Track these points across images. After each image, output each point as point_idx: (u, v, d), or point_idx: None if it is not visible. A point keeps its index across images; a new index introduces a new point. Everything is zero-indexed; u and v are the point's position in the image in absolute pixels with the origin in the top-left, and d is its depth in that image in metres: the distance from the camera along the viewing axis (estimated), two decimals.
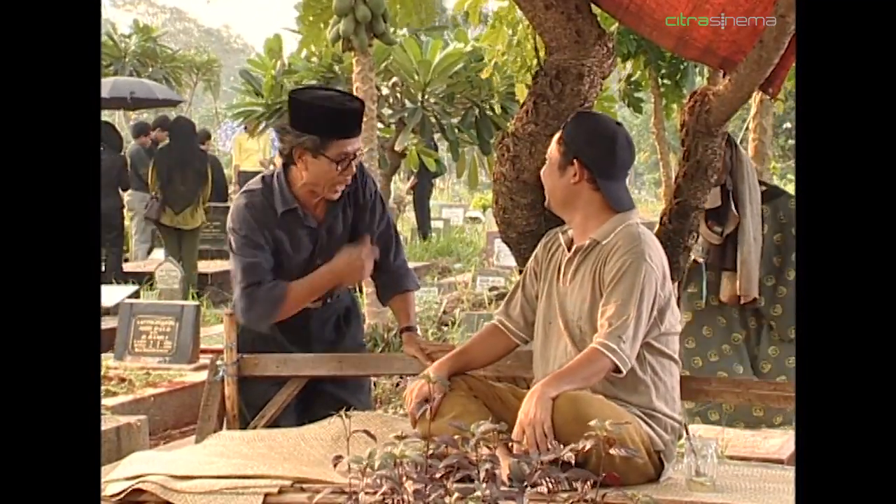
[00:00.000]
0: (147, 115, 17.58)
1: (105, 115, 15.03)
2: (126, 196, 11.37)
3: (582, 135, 3.02)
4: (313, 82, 10.31)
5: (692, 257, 4.63)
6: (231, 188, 13.88)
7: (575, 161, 2.99)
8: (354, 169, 3.42)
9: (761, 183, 5.04)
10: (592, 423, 2.39)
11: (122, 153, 11.39)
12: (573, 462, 2.40)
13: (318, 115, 3.34)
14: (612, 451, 2.40)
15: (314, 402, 3.58)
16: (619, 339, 2.83)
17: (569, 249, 3.06)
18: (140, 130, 12.69)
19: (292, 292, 3.44)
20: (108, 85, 14.02)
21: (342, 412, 2.74)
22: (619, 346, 2.83)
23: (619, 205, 3.01)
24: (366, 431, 2.54)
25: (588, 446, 2.38)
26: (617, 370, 2.84)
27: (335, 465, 2.41)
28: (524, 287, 3.21)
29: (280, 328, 3.59)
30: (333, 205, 3.50)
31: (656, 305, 2.92)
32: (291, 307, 3.46)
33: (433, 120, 11.10)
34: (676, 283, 4.81)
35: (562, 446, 2.44)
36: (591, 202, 3.01)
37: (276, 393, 3.60)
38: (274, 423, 3.53)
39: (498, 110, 10.62)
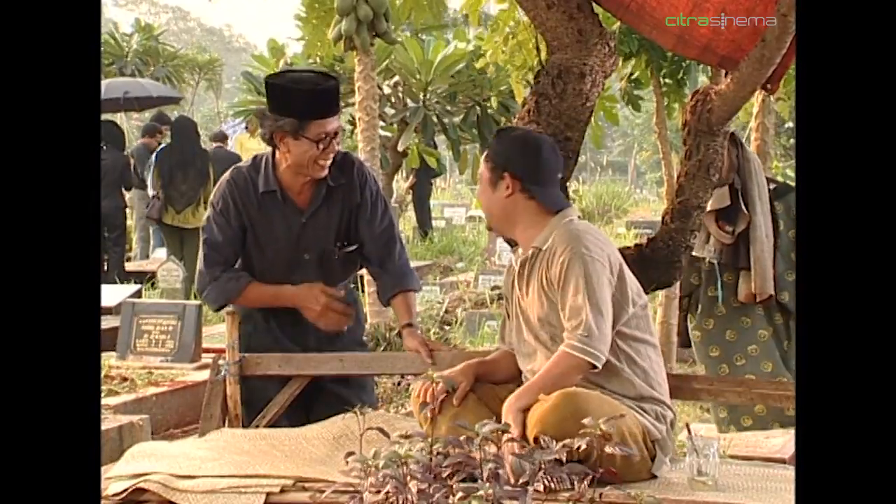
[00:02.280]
0: (147, 116, 17.58)
1: (109, 116, 15.00)
2: (128, 195, 11.37)
3: (507, 147, 3.11)
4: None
5: (706, 259, 4.63)
6: None
7: (505, 174, 3.06)
8: (337, 146, 3.45)
9: (771, 180, 5.04)
10: (586, 420, 2.41)
11: (126, 152, 11.38)
12: (565, 459, 2.41)
13: (294, 97, 3.37)
14: (608, 449, 2.41)
15: (316, 401, 3.57)
16: (581, 335, 2.86)
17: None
18: (148, 130, 12.68)
19: (250, 291, 3.51)
20: (102, 87, 13.98)
21: (344, 411, 2.74)
22: (583, 342, 2.86)
23: (555, 204, 3.08)
24: (379, 429, 2.55)
25: (584, 445, 2.39)
26: (593, 366, 2.87)
27: (347, 461, 2.42)
28: (507, 314, 3.27)
29: (277, 319, 3.60)
30: (318, 193, 3.51)
31: (611, 292, 2.94)
32: (245, 302, 3.54)
33: (435, 119, 11.11)
34: (697, 286, 4.81)
35: (555, 443, 2.44)
36: (527, 211, 3.07)
37: (277, 391, 3.60)
38: (275, 421, 3.52)
39: (495, 105, 10.62)
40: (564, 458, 2.39)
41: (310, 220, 3.51)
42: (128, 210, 11.52)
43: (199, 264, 3.56)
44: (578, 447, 2.40)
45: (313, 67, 3.45)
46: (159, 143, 12.30)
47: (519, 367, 3.21)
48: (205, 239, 3.55)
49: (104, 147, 10.31)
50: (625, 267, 3.03)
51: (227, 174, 3.58)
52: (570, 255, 2.93)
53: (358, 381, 3.68)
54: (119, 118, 15.93)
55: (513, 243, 3.73)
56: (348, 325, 3.65)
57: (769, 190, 4.87)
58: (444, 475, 2.34)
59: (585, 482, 2.40)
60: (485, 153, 3.17)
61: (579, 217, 3.11)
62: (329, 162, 3.44)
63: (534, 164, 3.07)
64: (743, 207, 4.72)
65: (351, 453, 2.45)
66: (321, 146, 3.38)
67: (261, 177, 3.50)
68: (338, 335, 3.65)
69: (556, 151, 3.16)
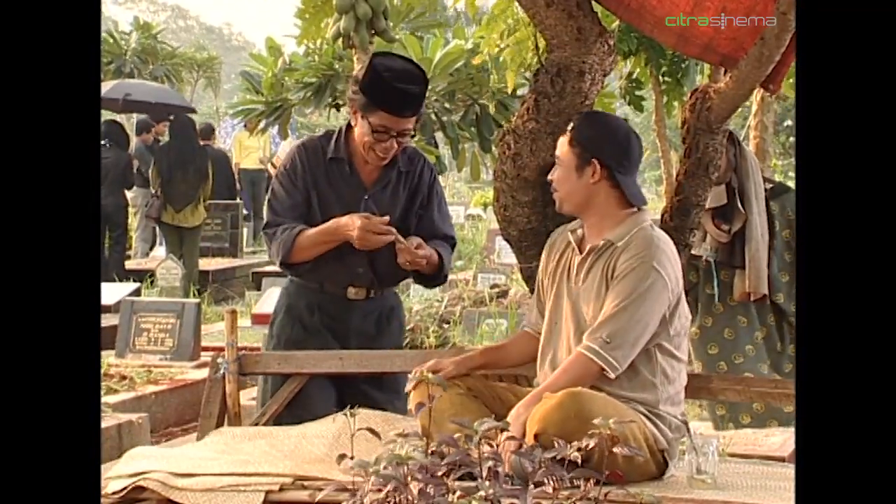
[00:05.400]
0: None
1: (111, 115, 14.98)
2: (130, 193, 11.38)
3: (596, 134, 3.02)
4: (313, 80, 10.30)
5: (703, 257, 4.62)
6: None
7: (594, 161, 2.98)
8: (395, 146, 3.45)
9: (767, 180, 5.04)
10: (596, 421, 2.39)
11: (129, 152, 11.39)
12: (570, 460, 2.40)
13: (374, 81, 3.39)
14: (614, 450, 2.39)
15: (349, 403, 3.52)
16: (605, 341, 2.84)
17: (580, 250, 3.06)
18: (143, 128, 12.69)
19: (302, 237, 3.46)
20: (108, 87, 13.94)
21: (342, 410, 2.74)
22: (604, 348, 2.84)
23: (636, 199, 3.02)
24: (370, 429, 2.54)
25: (591, 444, 2.37)
26: (605, 374, 2.85)
27: (339, 464, 2.41)
28: (539, 294, 3.22)
29: (321, 316, 3.59)
30: (386, 174, 3.53)
31: (662, 310, 2.91)
32: (302, 252, 3.47)
33: (434, 117, 11.10)
34: (695, 283, 4.80)
35: (561, 443, 2.43)
36: (608, 200, 3.01)
37: (314, 388, 3.57)
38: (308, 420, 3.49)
39: (493, 109, 10.61)
40: (571, 459, 2.38)
41: (372, 197, 3.52)
42: (130, 209, 11.52)
43: (262, 230, 3.59)
44: (581, 447, 2.39)
45: (408, 65, 3.40)
46: (156, 139, 12.30)
47: (535, 350, 3.16)
48: (269, 202, 3.57)
49: (107, 146, 10.33)
50: (681, 287, 3.00)
51: (298, 141, 3.63)
52: (640, 262, 2.89)
53: (392, 386, 3.64)
54: (119, 117, 15.91)
55: (519, 238, 3.72)
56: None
57: (765, 190, 4.88)
58: (441, 474, 2.33)
59: (591, 482, 2.40)
60: (569, 135, 3.06)
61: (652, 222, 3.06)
62: (385, 156, 3.46)
63: (623, 152, 3.00)
64: (739, 206, 4.72)
65: (343, 455, 2.43)
66: (376, 137, 3.40)
67: (331, 144, 3.54)
68: (379, 337, 3.63)
69: (640, 141, 3.10)
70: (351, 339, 3.61)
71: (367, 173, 3.54)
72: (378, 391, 3.59)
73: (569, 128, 3.09)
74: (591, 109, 3.41)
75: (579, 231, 3.10)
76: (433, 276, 3.62)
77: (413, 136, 3.57)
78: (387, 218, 3.43)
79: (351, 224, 3.39)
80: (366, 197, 3.52)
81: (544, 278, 3.18)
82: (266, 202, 3.65)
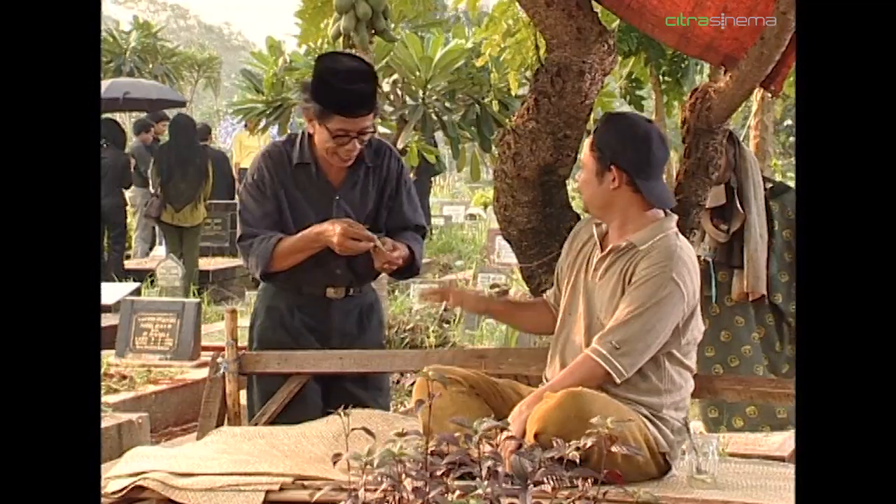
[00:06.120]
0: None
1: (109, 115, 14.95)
2: (128, 193, 11.38)
3: (616, 139, 2.97)
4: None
5: (702, 257, 4.62)
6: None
7: (612, 167, 2.95)
8: (357, 146, 3.41)
9: (767, 180, 5.04)
10: (594, 420, 2.39)
11: (126, 151, 11.40)
12: (568, 459, 2.40)
13: (324, 86, 3.35)
14: (613, 449, 2.39)
15: (335, 401, 3.51)
16: (614, 347, 2.83)
17: (602, 246, 3.05)
18: (142, 127, 12.69)
19: (281, 246, 3.43)
20: (103, 86, 13.92)
21: (341, 409, 2.73)
22: (613, 354, 2.83)
23: (660, 203, 2.99)
24: (365, 429, 2.54)
25: (589, 443, 2.37)
26: (610, 378, 2.84)
27: (335, 463, 2.41)
28: (557, 276, 3.22)
29: (302, 317, 3.58)
30: (353, 172, 3.50)
31: (676, 321, 2.90)
32: (281, 261, 3.45)
33: (434, 117, 11.10)
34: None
35: (560, 442, 2.43)
36: (631, 204, 2.98)
37: (310, 388, 3.58)
38: (293, 419, 3.49)
39: (496, 107, 10.62)
40: (569, 458, 2.38)
41: (343, 197, 3.50)
42: (128, 208, 11.52)
43: (237, 244, 3.55)
44: (580, 447, 2.39)
45: (353, 62, 3.34)
46: (155, 139, 12.30)
47: (551, 320, 3.16)
48: (240, 214, 3.53)
49: (104, 145, 10.33)
50: (697, 298, 2.98)
51: (262, 150, 3.61)
52: (659, 271, 2.87)
53: (375, 384, 3.67)
54: (118, 117, 15.90)
55: (520, 238, 3.72)
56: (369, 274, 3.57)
57: (765, 189, 4.88)
58: (441, 473, 2.33)
59: (589, 482, 2.40)
60: (590, 140, 3.03)
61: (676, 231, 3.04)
62: (349, 157, 3.43)
63: (643, 158, 2.94)
64: (738, 206, 4.72)
65: (339, 455, 2.43)
66: (338, 141, 3.37)
67: (295, 150, 3.50)
68: (360, 335, 3.63)
69: (665, 142, 3.04)
70: (333, 339, 3.60)
71: (335, 174, 3.51)
72: (362, 389, 3.60)
73: (592, 129, 3.08)
74: (616, 111, 3.39)
75: (604, 225, 3.09)
76: (405, 269, 3.60)
77: (374, 132, 3.51)
78: (372, 236, 3.40)
79: (331, 231, 3.37)
80: (336, 197, 3.50)
81: (564, 265, 3.17)
82: (237, 214, 3.59)
